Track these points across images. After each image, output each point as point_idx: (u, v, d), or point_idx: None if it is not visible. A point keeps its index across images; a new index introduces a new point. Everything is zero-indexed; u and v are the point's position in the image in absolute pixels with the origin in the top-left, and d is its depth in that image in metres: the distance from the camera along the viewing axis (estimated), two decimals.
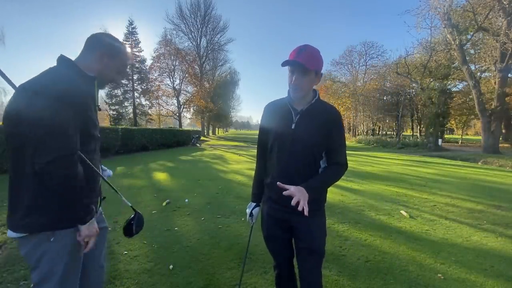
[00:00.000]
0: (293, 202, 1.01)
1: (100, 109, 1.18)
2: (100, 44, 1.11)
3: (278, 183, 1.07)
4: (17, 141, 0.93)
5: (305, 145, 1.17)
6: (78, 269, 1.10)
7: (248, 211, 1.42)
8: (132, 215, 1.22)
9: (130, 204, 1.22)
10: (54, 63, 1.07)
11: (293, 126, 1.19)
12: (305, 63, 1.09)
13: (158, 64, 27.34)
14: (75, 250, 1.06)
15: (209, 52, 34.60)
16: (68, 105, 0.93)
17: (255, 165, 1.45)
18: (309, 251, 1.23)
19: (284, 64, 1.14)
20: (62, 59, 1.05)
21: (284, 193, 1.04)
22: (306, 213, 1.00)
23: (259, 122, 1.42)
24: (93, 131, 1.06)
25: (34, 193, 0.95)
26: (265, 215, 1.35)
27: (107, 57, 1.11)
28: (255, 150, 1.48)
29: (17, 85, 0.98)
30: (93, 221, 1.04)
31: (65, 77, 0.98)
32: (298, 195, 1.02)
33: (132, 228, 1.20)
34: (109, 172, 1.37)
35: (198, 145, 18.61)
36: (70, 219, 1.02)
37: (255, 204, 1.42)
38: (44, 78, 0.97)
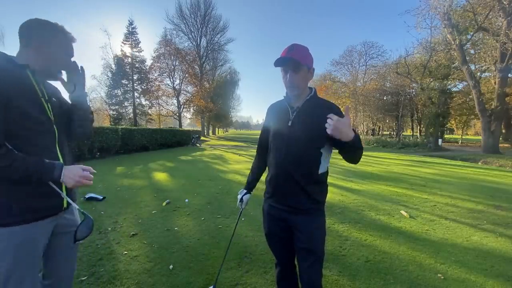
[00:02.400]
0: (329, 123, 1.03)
1: (47, 99, 1.04)
2: (23, 33, 0.99)
3: (329, 114, 1.04)
4: None
5: (302, 141, 1.18)
6: (31, 271, 0.99)
7: (239, 197, 1.50)
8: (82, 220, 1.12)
9: (79, 208, 1.15)
10: None
11: (289, 123, 1.22)
12: (298, 58, 1.14)
13: (158, 64, 27.36)
14: (22, 251, 0.96)
15: (209, 52, 34.58)
16: None
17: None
18: (308, 251, 1.22)
19: (277, 63, 1.17)
20: None
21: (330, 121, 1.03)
22: (331, 120, 1.01)
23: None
24: (30, 125, 0.96)
25: None
26: (266, 214, 1.37)
27: (40, 43, 0.99)
28: (255, 150, 1.51)
29: None
30: (64, 171, 0.97)
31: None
32: (339, 125, 1.00)
33: (76, 232, 1.08)
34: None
35: (198, 145, 18.60)
36: (15, 215, 0.93)
37: (246, 191, 1.50)
38: None
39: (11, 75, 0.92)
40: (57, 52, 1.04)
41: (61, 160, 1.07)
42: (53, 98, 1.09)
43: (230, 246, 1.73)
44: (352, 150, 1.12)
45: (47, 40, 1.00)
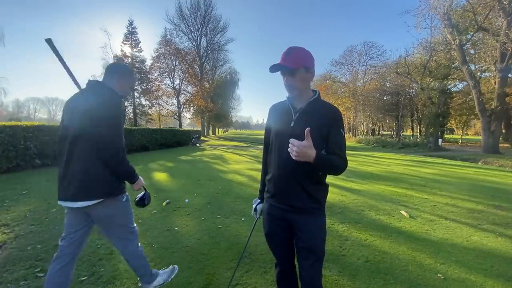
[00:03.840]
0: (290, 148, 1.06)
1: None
2: (116, 70, 1.59)
3: (306, 129, 1.04)
4: (90, 136, 1.39)
5: None
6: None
7: (253, 206, 1.51)
8: (143, 192, 1.71)
9: (143, 184, 1.70)
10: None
11: (292, 124, 1.23)
12: (289, 65, 1.16)
13: (158, 64, 27.35)
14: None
15: (209, 52, 34.56)
16: (121, 115, 1.49)
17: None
18: (309, 250, 1.23)
19: (271, 69, 1.20)
20: (98, 83, 1.52)
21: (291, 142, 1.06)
22: (293, 155, 1.05)
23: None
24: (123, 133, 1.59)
25: (107, 172, 1.44)
26: (265, 213, 1.36)
27: (122, 79, 1.60)
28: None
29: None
30: (139, 180, 1.61)
31: (116, 96, 1.52)
32: (301, 148, 1.03)
33: (144, 201, 1.70)
34: None
35: (198, 145, 18.60)
36: (124, 187, 1.58)
37: (259, 200, 1.50)
38: (105, 96, 1.46)
39: (120, 103, 1.54)
40: (129, 85, 1.68)
41: None
42: None
43: (242, 253, 1.76)
44: (320, 170, 1.20)
45: (128, 79, 1.64)
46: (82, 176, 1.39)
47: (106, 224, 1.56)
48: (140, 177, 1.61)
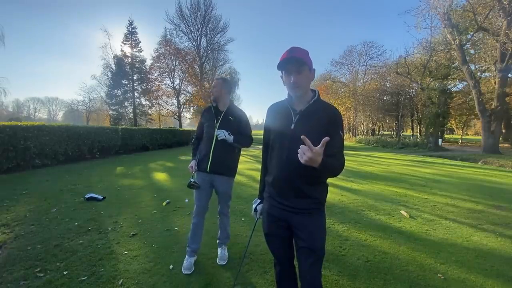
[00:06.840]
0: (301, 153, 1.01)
1: (218, 120, 2.19)
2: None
3: (302, 136, 1.01)
4: None
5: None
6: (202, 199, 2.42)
7: (253, 206, 1.50)
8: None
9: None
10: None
11: (292, 126, 1.22)
12: (301, 57, 1.15)
13: (158, 64, 27.31)
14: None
15: (209, 52, 34.47)
16: (202, 115, 2.35)
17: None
18: (309, 250, 1.22)
19: (282, 63, 1.17)
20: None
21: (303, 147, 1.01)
22: (303, 160, 1.00)
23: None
24: (203, 128, 2.28)
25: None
26: (265, 213, 1.36)
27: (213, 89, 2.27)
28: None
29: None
30: (191, 161, 2.30)
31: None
32: (310, 154, 0.99)
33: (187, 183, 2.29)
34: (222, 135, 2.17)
35: None
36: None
37: (259, 200, 1.49)
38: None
39: (207, 109, 2.31)
40: (214, 91, 2.22)
41: (212, 149, 2.17)
42: (229, 116, 2.18)
43: (245, 254, 1.75)
44: (323, 172, 1.13)
45: (214, 87, 2.24)
46: None
47: None
48: (193, 160, 2.27)
